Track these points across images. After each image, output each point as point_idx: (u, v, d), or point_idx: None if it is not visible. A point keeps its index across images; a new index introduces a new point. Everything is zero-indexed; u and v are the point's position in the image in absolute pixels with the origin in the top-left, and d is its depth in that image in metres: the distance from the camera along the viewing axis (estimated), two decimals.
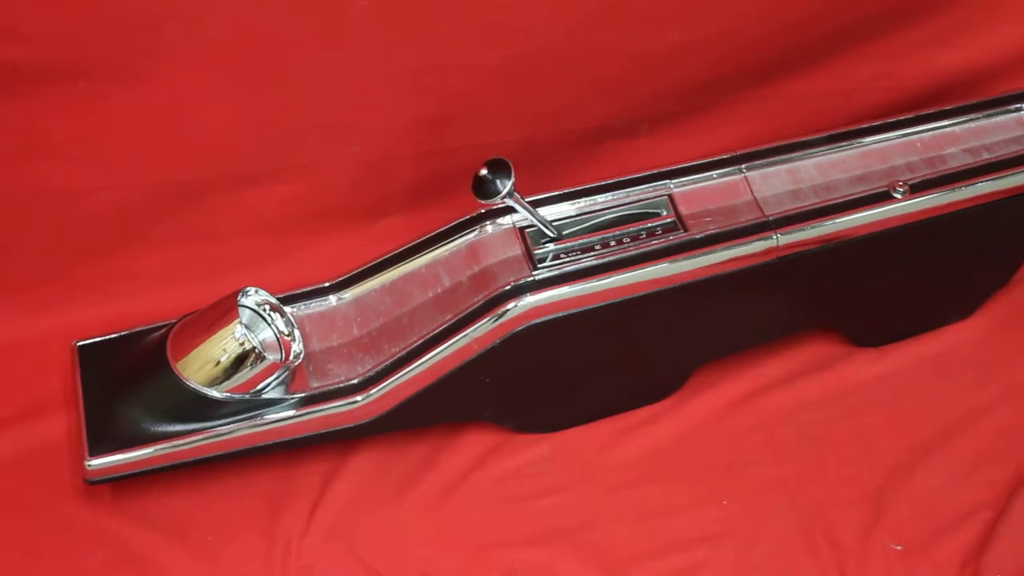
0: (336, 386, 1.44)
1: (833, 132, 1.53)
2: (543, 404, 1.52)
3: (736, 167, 1.51)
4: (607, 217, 1.48)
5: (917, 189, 1.47)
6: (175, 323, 1.46)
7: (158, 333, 1.47)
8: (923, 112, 1.55)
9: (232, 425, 1.41)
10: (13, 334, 1.58)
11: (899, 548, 1.45)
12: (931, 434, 1.55)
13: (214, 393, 1.40)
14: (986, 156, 1.52)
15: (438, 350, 1.42)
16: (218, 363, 1.40)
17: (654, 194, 1.49)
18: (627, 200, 1.49)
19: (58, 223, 1.56)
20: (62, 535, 1.44)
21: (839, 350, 1.62)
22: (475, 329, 1.41)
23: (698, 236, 1.44)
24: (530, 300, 1.40)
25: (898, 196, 1.47)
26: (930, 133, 1.54)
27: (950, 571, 1.43)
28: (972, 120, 1.55)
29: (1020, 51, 1.68)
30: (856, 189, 1.49)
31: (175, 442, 1.41)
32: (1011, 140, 1.54)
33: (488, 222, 1.48)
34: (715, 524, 1.48)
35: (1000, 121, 1.56)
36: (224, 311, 1.42)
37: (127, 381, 1.45)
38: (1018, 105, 1.56)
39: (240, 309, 1.41)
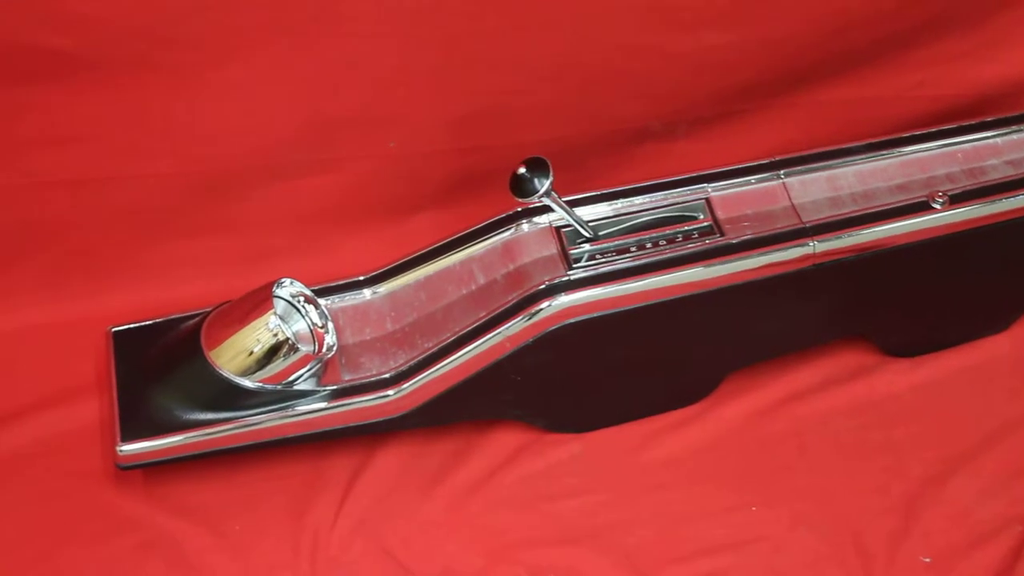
0: (368, 380, 1.44)
1: (873, 140, 1.53)
2: (574, 404, 1.52)
3: (775, 173, 1.50)
4: (644, 219, 1.48)
5: (957, 200, 1.47)
6: (210, 312, 1.46)
7: (192, 321, 1.48)
8: (965, 123, 1.55)
9: (263, 415, 1.42)
10: (48, 319, 1.59)
11: (928, 560, 1.44)
12: (963, 446, 1.54)
13: (246, 383, 1.41)
14: None
15: (471, 347, 1.42)
16: (251, 353, 1.40)
17: (691, 197, 1.49)
18: (664, 203, 1.49)
19: (95, 209, 1.57)
20: (92, 519, 1.45)
21: (872, 359, 1.61)
22: (508, 327, 1.41)
23: (734, 241, 1.44)
24: (564, 300, 1.40)
25: (937, 206, 1.46)
26: (971, 144, 1.54)
27: None
28: (1014, 132, 1.55)
29: None
30: (895, 198, 1.48)
31: (206, 430, 1.42)
32: None
33: (524, 220, 1.48)
34: (744, 530, 1.47)
35: None
36: (259, 301, 1.42)
37: (160, 368, 1.45)
38: None
39: (275, 300, 1.42)
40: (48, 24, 1.39)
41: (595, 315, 1.42)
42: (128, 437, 1.41)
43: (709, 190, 1.49)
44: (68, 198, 1.55)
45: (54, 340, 1.58)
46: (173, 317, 1.50)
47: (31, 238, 1.57)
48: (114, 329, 1.50)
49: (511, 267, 1.46)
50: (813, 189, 1.50)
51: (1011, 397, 1.58)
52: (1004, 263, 1.55)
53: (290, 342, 1.40)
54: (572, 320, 1.42)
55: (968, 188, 1.48)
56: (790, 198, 1.49)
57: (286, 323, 1.41)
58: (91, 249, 1.60)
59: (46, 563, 1.42)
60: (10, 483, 1.47)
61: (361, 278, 1.51)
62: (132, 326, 1.50)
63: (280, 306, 1.43)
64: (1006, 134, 1.54)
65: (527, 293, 1.41)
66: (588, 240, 1.46)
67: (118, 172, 1.54)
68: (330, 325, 1.46)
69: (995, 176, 1.50)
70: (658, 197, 1.49)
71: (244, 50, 1.46)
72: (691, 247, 1.44)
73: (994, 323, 1.63)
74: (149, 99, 1.48)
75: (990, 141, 1.54)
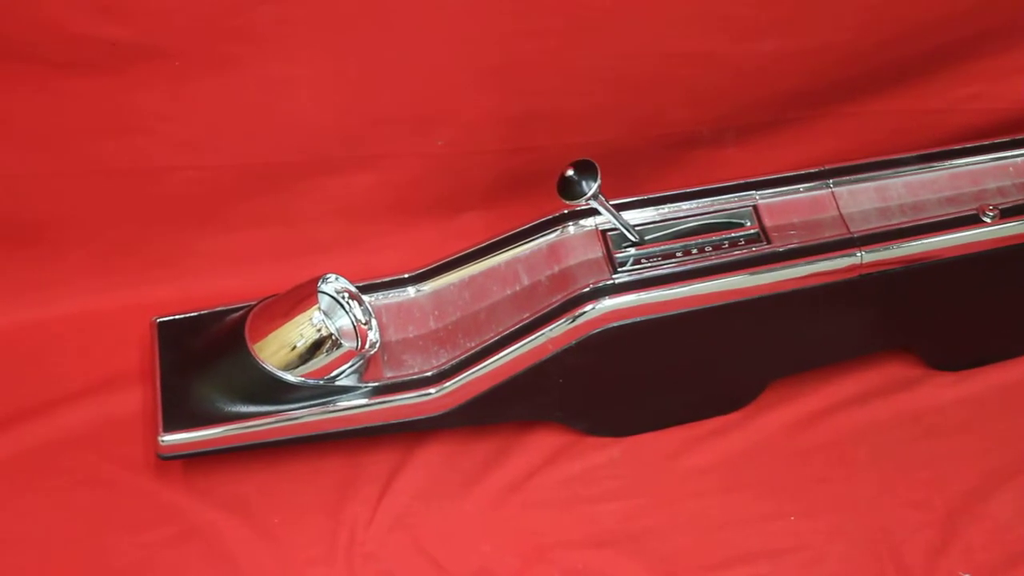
0: (410, 377, 1.44)
1: (924, 152, 1.52)
2: (615, 408, 1.52)
3: (823, 182, 1.49)
4: (690, 225, 1.48)
5: (1008, 214, 1.46)
6: (254, 305, 1.47)
7: (237, 314, 1.48)
8: (1017, 136, 1.53)
9: (304, 410, 1.42)
10: (95, 307, 1.61)
11: None
12: (1006, 462, 1.52)
13: (289, 377, 1.41)
14: None
15: (513, 348, 1.42)
16: (294, 347, 1.41)
17: (739, 204, 1.48)
18: (711, 209, 1.48)
19: (143, 199, 1.58)
20: (133, 508, 1.46)
21: (916, 372, 1.60)
22: (551, 329, 1.41)
23: (781, 249, 1.43)
24: (608, 303, 1.40)
25: (987, 220, 1.45)
26: (1023, 158, 1.52)
27: None
28: None
29: None
30: (945, 211, 1.47)
31: (247, 423, 1.42)
32: None
33: (570, 223, 1.48)
34: (781, 539, 1.46)
35: None
36: (303, 296, 1.42)
37: (204, 360, 1.46)
38: None
39: (319, 295, 1.42)
40: (106, 15, 1.40)
41: (638, 319, 1.42)
42: (170, 428, 1.42)
43: (757, 197, 1.49)
44: (118, 188, 1.56)
45: (100, 328, 1.60)
46: (218, 309, 1.51)
47: (81, 227, 1.58)
48: (159, 320, 1.51)
49: (556, 269, 1.46)
50: (862, 199, 1.49)
51: None
52: None
53: (333, 338, 1.40)
54: (615, 324, 1.41)
55: (1019, 202, 1.47)
56: (838, 207, 1.48)
57: (330, 319, 1.42)
58: (140, 239, 1.61)
59: (86, 549, 1.43)
60: (53, 469, 1.49)
61: (406, 276, 1.52)
62: (177, 317, 1.51)
63: (324, 302, 1.43)
64: None
65: (571, 295, 1.41)
66: (634, 244, 1.46)
67: (169, 163, 1.55)
68: (373, 322, 1.46)
69: None
70: (705, 203, 1.49)
71: (296, 44, 1.47)
72: (737, 254, 1.43)
73: None
74: (202, 91, 1.49)
75: None
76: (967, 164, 1.52)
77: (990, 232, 1.45)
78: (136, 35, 1.42)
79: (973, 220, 1.45)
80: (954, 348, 1.59)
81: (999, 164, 1.52)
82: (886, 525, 1.47)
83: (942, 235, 1.45)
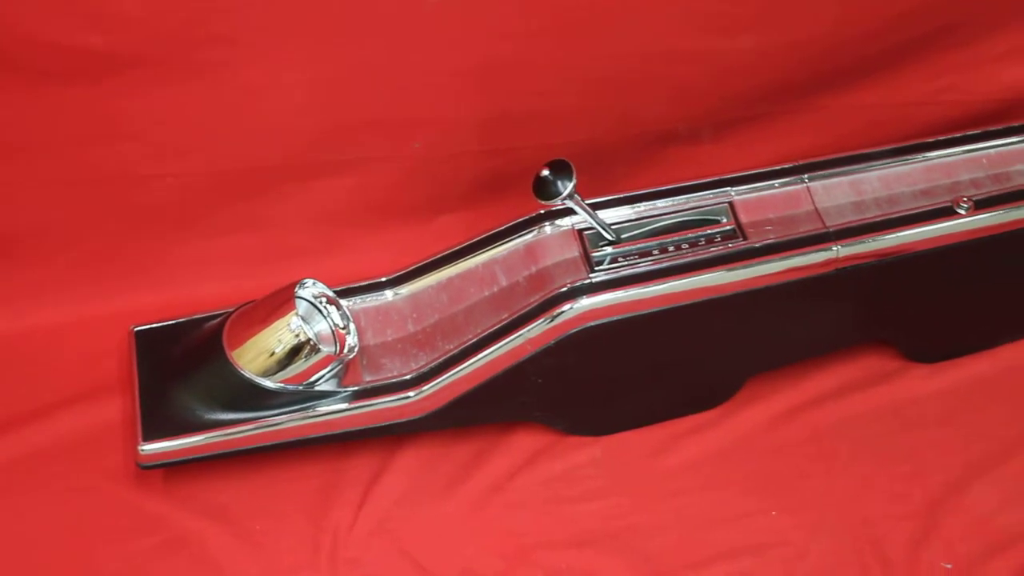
0: (389, 381, 1.44)
1: (898, 145, 1.52)
2: (595, 407, 1.52)
3: (798, 177, 1.50)
4: (666, 222, 1.48)
5: (982, 205, 1.46)
6: (232, 312, 1.47)
7: (215, 321, 1.48)
8: (990, 128, 1.54)
9: (284, 416, 1.42)
10: (73, 317, 1.60)
11: (949, 567, 1.44)
12: (984, 453, 1.53)
13: (268, 383, 1.41)
14: None
15: (492, 349, 1.42)
16: (273, 353, 1.41)
17: (715, 201, 1.49)
18: (687, 206, 1.48)
19: (121, 207, 1.57)
20: (113, 518, 1.45)
21: (893, 365, 1.61)
22: (530, 329, 1.41)
23: (757, 245, 1.44)
24: (586, 303, 1.40)
25: (962, 212, 1.46)
26: (996, 149, 1.53)
27: None
28: None
29: None
30: (919, 203, 1.48)
31: (227, 430, 1.42)
32: None
33: (547, 223, 1.48)
34: (763, 535, 1.47)
35: None
36: (281, 302, 1.42)
37: (182, 368, 1.46)
38: None
39: (297, 301, 1.42)
40: (83, 24, 1.39)
41: (616, 318, 1.42)
42: (149, 437, 1.41)
43: (732, 194, 1.49)
44: (96, 196, 1.56)
45: (78, 339, 1.59)
46: (195, 317, 1.51)
47: (58, 236, 1.58)
48: (136, 328, 1.51)
49: (533, 269, 1.46)
50: (837, 193, 1.50)
51: None
52: None
53: (312, 343, 1.40)
54: (593, 323, 1.42)
55: (993, 193, 1.48)
56: (814, 202, 1.49)
57: (308, 324, 1.42)
58: (118, 247, 1.60)
59: (67, 561, 1.42)
60: (32, 481, 1.48)
61: (383, 279, 1.52)
62: (154, 326, 1.51)
63: (302, 307, 1.43)
64: None
65: (549, 296, 1.41)
66: (610, 243, 1.46)
67: (147, 171, 1.55)
68: (352, 326, 1.46)
69: (1020, 182, 1.50)
70: (681, 200, 1.49)
71: (273, 50, 1.46)
72: (713, 251, 1.44)
73: (1017, 330, 1.62)
74: (180, 98, 1.49)
75: (1016, 146, 1.53)
76: (941, 156, 1.52)
77: (965, 224, 1.46)
78: (112, 44, 1.42)
79: (947, 212, 1.46)
80: (931, 340, 1.60)
81: (972, 156, 1.53)
82: (867, 518, 1.48)
83: (917, 228, 1.45)
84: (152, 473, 1.48)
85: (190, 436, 1.42)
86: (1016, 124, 1.54)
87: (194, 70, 1.46)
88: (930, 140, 1.53)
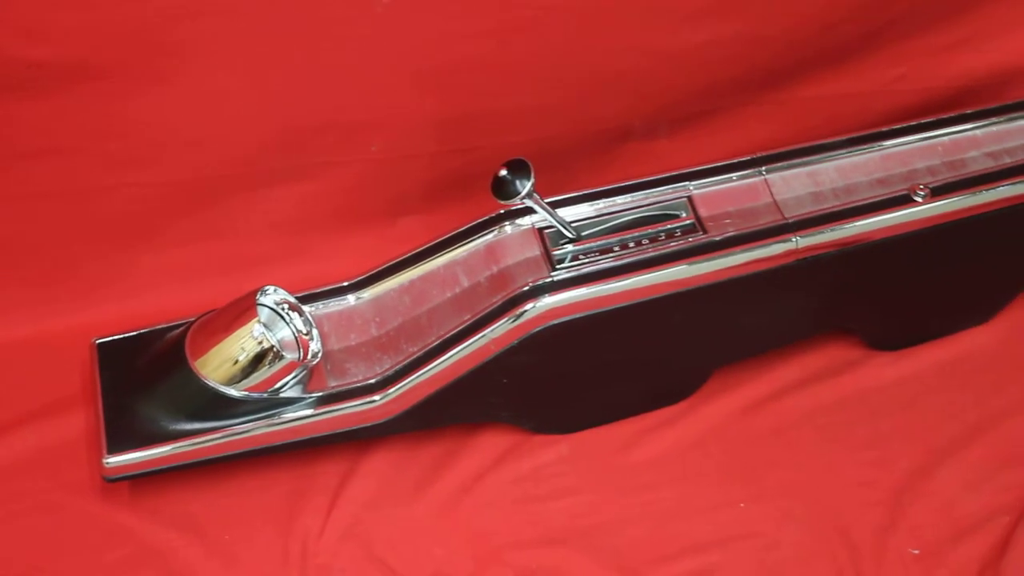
0: (354, 385, 1.44)
1: (854, 135, 1.53)
2: (561, 405, 1.52)
3: (756, 169, 1.50)
4: (626, 218, 1.48)
5: (938, 193, 1.47)
6: (193, 321, 1.46)
7: (177, 331, 1.47)
8: (944, 116, 1.55)
9: (250, 424, 1.42)
10: (33, 331, 1.59)
11: (916, 552, 1.45)
12: (949, 438, 1.54)
13: (232, 392, 1.40)
14: (1007, 160, 1.52)
15: (456, 350, 1.42)
16: (236, 362, 1.40)
17: (673, 196, 1.49)
18: (646, 202, 1.49)
19: (78, 220, 1.57)
20: (80, 533, 1.44)
21: (857, 353, 1.62)
22: (493, 329, 1.41)
23: (717, 238, 1.44)
24: (548, 301, 1.40)
25: (919, 200, 1.47)
26: (951, 137, 1.54)
27: None
28: (993, 124, 1.55)
29: None
30: (876, 192, 1.49)
31: (193, 440, 1.41)
32: None
33: (507, 222, 1.48)
34: (733, 526, 1.47)
35: (1022, 125, 1.55)
36: (243, 310, 1.42)
37: (145, 379, 1.45)
38: None
39: (259, 308, 1.41)
40: (31, 37, 1.38)
41: (579, 315, 1.42)
42: (114, 449, 1.40)
43: (691, 188, 1.49)
44: (53, 210, 1.55)
45: (39, 353, 1.58)
46: (157, 328, 1.50)
47: (17, 251, 1.57)
48: (98, 341, 1.50)
49: (495, 269, 1.46)
50: (795, 185, 1.51)
51: (995, 388, 1.58)
52: (986, 255, 1.56)
53: (275, 350, 1.40)
54: (557, 321, 1.42)
55: (948, 181, 1.48)
56: (772, 194, 1.49)
57: (271, 331, 1.41)
58: (74, 261, 1.59)
59: None
60: None
61: (345, 284, 1.51)
62: (116, 337, 1.50)
63: (264, 314, 1.42)
64: (985, 126, 1.55)
65: (511, 295, 1.41)
66: (571, 241, 1.46)
67: (103, 182, 1.54)
68: (315, 332, 1.45)
69: (975, 168, 1.51)
70: (640, 196, 1.49)
71: (226, 57, 1.46)
72: (674, 245, 1.44)
73: (977, 315, 1.64)
74: (133, 108, 1.48)
75: (969, 133, 1.54)
76: (896, 145, 1.53)
77: (922, 211, 1.47)
78: (62, 55, 1.41)
79: (904, 200, 1.47)
80: (893, 328, 1.61)
81: (928, 144, 1.53)
82: (835, 506, 1.49)
83: (875, 217, 1.46)
84: (118, 486, 1.47)
85: (155, 447, 1.41)
86: (969, 111, 1.55)
87: (144, 80, 1.45)
88: (886, 129, 1.54)
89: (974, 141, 1.54)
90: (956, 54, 1.65)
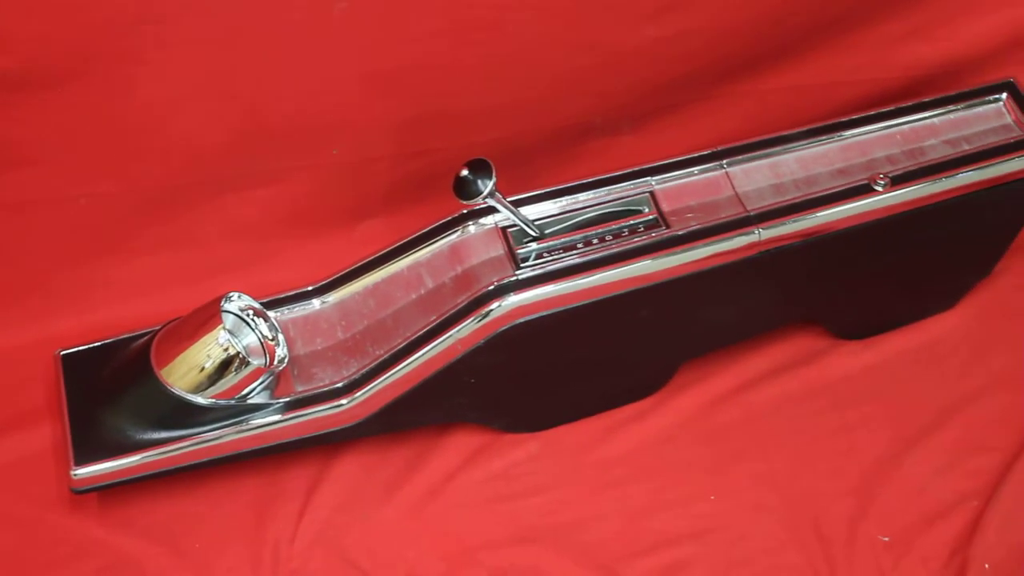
0: (321, 390, 1.44)
1: (813, 126, 1.53)
2: (529, 404, 1.52)
3: (717, 163, 1.51)
4: (589, 215, 1.48)
5: (898, 181, 1.48)
6: (158, 330, 1.45)
7: (141, 340, 1.46)
8: (903, 104, 1.55)
9: (218, 431, 1.41)
10: None
11: (886, 539, 1.46)
12: (916, 425, 1.55)
13: (199, 399, 1.40)
14: (966, 147, 1.52)
15: (422, 352, 1.41)
16: (202, 369, 1.39)
17: (636, 191, 1.49)
18: (609, 198, 1.49)
19: (38, 231, 1.55)
20: (49, 546, 1.44)
21: (823, 343, 1.63)
22: (459, 330, 1.41)
23: (680, 232, 1.44)
24: (514, 299, 1.40)
25: (879, 189, 1.47)
26: (909, 125, 1.55)
27: (937, 561, 1.44)
28: (951, 111, 1.56)
29: (998, 42, 1.68)
30: (837, 182, 1.49)
31: (161, 449, 1.41)
32: (990, 131, 1.54)
33: (470, 222, 1.47)
34: (704, 520, 1.48)
35: (979, 112, 1.56)
36: (207, 317, 1.41)
37: (111, 389, 1.44)
38: (997, 96, 1.56)
39: (223, 315, 1.41)
40: None
41: (545, 313, 1.42)
42: (81, 460, 1.40)
43: (653, 183, 1.50)
44: (12, 223, 1.54)
45: (4, 366, 1.56)
46: (122, 337, 1.49)
47: None
48: (62, 352, 1.49)
49: (459, 269, 1.46)
50: (756, 177, 1.51)
51: (961, 374, 1.60)
52: (948, 242, 1.57)
53: (241, 356, 1.39)
54: (522, 319, 1.42)
55: (908, 169, 1.49)
56: (733, 187, 1.50)
57: (236, 337, 1.40)
58: (35, 273, 1.58)
59: None
60: None
61: (309, 288, 1.51)
62: (80, 348, 1.49)
63: (229, 320, 1.42)
64: (943, 114, 1.55)
65: (476, 295, 1.41)
66: (535, 239, 1.46)
67: (59, 194, 1.53)
68: (280, 337, 1.45)
69: (934, 156, 1.51)
70: (602, 193, 1.49)
71: (181, 64, 1.45)
72: (637, 241, 1.44)
73: (942, 301, 1.65)
74: (90, 118, 1.47)
75: (927, 121, 1.55)
76: (856, 135, 1.54)
77: (882, 200, 1.47)
78: (19, 66, 1.40)
79: (865, 190, 1.47)
80: (858, 317, 1.62)
81: (887, 133, 1.54)
82: (805, 496, 1.50)
83: (836, 207, 1.46)
84: (87, 498, 1.46)
85: (123, 458, 1.40)
86: (927, 99, 1.55)
87: (102, 89, 1.44)
88: (845, 120, 1.54)
89: (932, 129, 1.54)
90: (909, 44, 1.66)
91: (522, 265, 1.43)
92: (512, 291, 1.40)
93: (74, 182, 1.52)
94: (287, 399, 1.43)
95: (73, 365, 1.48)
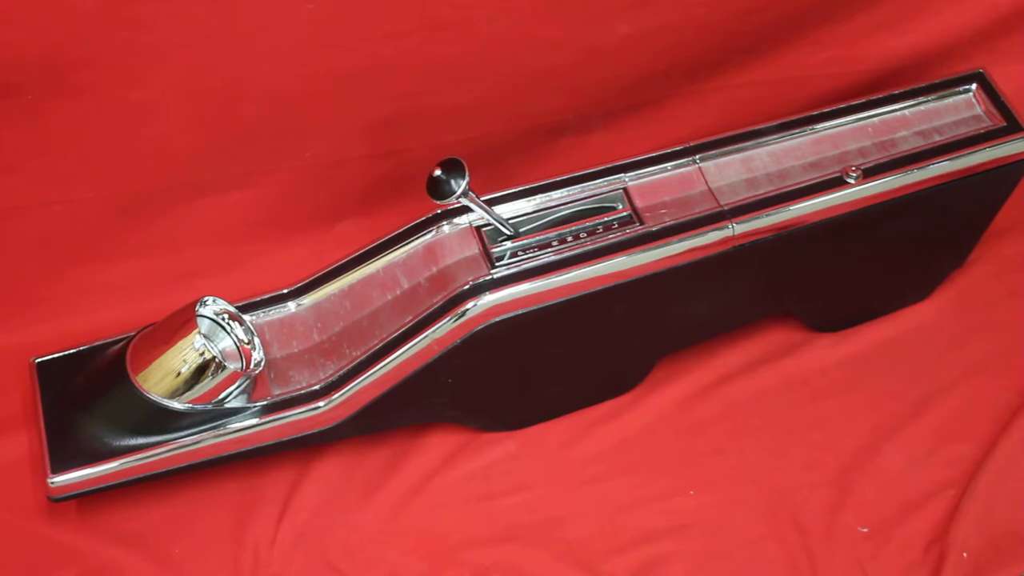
0: (298, 392, 1.43)
1: (785, 120, 1.54)
2: (507, 402, 1.53)
3: (690, 158, 1.51)
4: (563, 213, 1.48)
5: (870, 173, 1.48)
6: (134, 336, 1.45)
7: (117, 346, 1.46)
8: (873, 97, 1.56)
9: (195, 436, 1.41)
10: None
11: (865, 530, 1.46)
12: (892, 415, 1.56)
13: (176, 405, 1.40)
14: (937, 138, 1.53)
15: (399, 352, 1.41)
16: (179, 374, 1.39)
17: (609, 188, 1.49)
18: (583, 195, 1.49)
19: (11, 240, 1.55)
20: (28, 554, 1.43)
21: (798, 336, 1.63)
22: (435, 330, 1.41)
23: (654, 228, 1.45)
24: (489, 299, 1.40)
25: (851, 181, 1.48)
26: (880, 117, 1.55)
27: (915, 551, 1.45)
28: (922, 103, 1.56)
29: (968, 33, 1.69)
30: (810, 176, 1.49)
31: (138, 455, 1.40)
32: (961, 121, 1.55)
33: (445, 222, 1.47)
34: (683, 514, 1.48)
35: (950, 103, 1.57)
36: (183, 322, 1.41)
37: (87, 396, 1.44)
38: (966, 87, 1.57)
39: (199, 319, 1.40)
40: None
41: (521, 312, 1.42)
42: (58, 468, 1.39)
43: (626, 180, 1.50)
44: None
45: None
46: (97, 344, 1.48)
47: None
48: (37, 360, 1.48)
49: (434, 270, 1.46)
50: (729, 172, 1.51)
51: (935, 364, 1.60)
52: (920, 233, 1.57)
53: (217, 360, 1.39)
54: (498, 318, 1.42)
55: (880, 161, 1.50)
56: (707, 182, 1.50)
57: (212, 342, 1.40)
58: (12, 280, 1.57)
59: None
60: None
61: (285, 291, 1.50)
62: (56, 356, 1.48)
63: (205, 325, 1.42)
64: (914, 106, 1.55)
65: (452, 294, 1.41)
66: (509, 238, 1.46)
67: (34, 200, 1.52)
68: (256, 341, 1.45)
69: (905, 148, 1.52)
70: (576, 190, 1.49)
71: (151, 69, 1.44)
72: (612, 237, 1.44)
73: (915, 292, 1.66)
74: (60, 124, 1.46)
75: (898, 113, 1.55)
76: (827, 128, 1.54)
77: (855, 193, 1.48)
78: None
79: (838, 183, 1.48)
80: (833, 309, 1.62)
81: (858, 125, 1.54)
82: (783, 489, 1.50)
83: (809, 200, 1.47)
84: (65, 505, 1.46)
85: (100, 464, 1.40)
86: (897, 91, 1.56)
87: (72, 95, 1.43)
88: (816, 113, 1.54)
89: (904, 121, 1.55)
90: (878, 37, 1.67)
91: (497, 264, 1.43)
92: (487, 290, 1.40)
93: (47, 188, 1.52)
94: (264, 402, 1.43)
95: (48, 373, 1.47)
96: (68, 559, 1.43)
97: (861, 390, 1.58)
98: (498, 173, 1.60)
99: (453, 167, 1.38)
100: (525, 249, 1.45)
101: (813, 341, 1.63)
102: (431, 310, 1.41)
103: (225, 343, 1.43)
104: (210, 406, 1.41)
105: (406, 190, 1.58)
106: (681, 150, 1.51)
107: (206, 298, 1.43)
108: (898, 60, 1.70)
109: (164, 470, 1.42)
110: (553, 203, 1.48)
